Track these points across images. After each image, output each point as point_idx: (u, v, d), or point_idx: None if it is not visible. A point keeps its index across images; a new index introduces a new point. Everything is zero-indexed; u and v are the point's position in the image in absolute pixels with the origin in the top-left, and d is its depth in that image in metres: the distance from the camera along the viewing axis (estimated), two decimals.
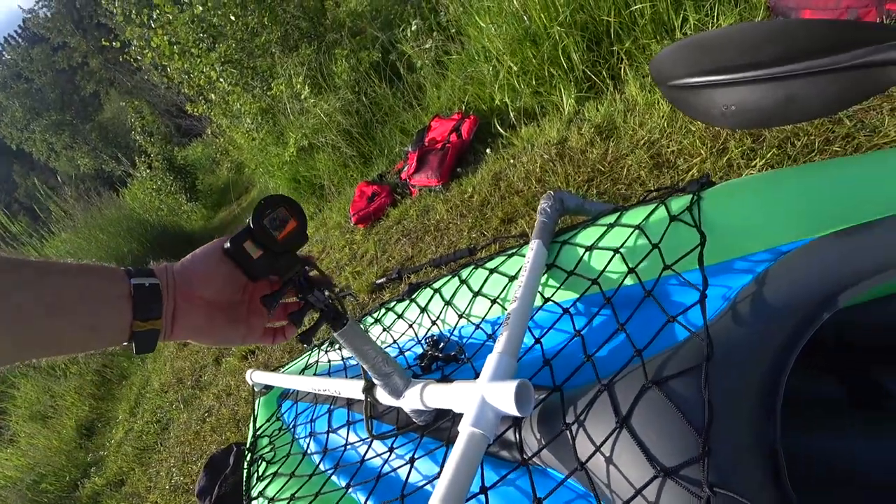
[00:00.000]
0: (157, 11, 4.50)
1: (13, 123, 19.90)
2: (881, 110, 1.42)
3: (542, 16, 2.48)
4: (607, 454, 0.39)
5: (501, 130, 2.68)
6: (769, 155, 1.52)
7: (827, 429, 0.50)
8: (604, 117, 2.19)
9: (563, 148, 2.22)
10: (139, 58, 5.23)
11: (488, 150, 2.66)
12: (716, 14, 2.18)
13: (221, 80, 4.64)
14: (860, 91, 0.53)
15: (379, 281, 2.36)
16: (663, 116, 1.94)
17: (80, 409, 4.53)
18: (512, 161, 2.41)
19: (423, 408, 0.56)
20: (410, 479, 0.59)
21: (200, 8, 4.30)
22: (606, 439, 0.39)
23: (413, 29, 3.56)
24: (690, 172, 1.65)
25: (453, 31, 3.30)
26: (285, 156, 4.15)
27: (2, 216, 7.76)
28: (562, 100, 2.49)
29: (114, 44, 5.60)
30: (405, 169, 2.96)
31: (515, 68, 2.60)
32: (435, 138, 2.89)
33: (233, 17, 4.32)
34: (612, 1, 2.36)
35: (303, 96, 3.90)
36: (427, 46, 3.38)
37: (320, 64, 3.99)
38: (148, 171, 8.77)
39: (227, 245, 0.50)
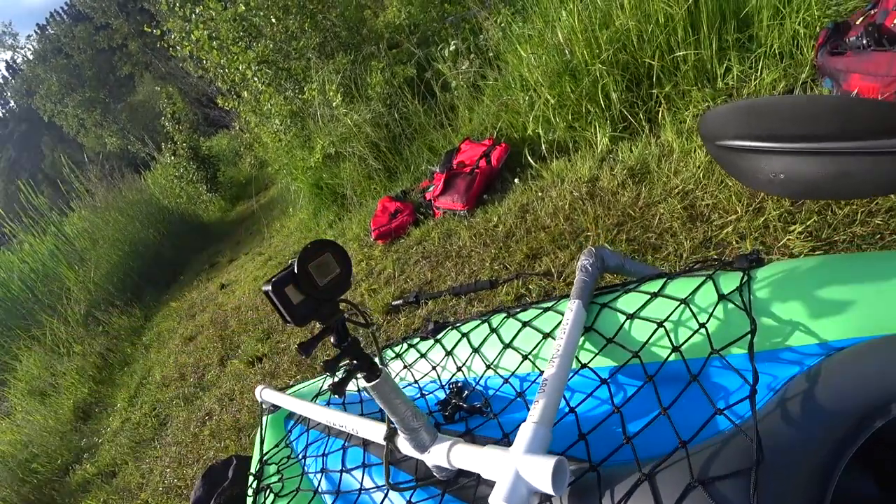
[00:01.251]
0: (202, 7, 4.59)
1: (48, 96, 20.43)
2: None
3: (585, 52, 2.48)
4: None
5: (532, 161, 2.66)
6: (809, 221, 1.48)
7: None
8: (637, 160, 2.16)
9: (594, 187, 2.19)
10: (178, 47, 5.33)
11: (517, 180, 2.64)
12: (759, 67, 2.16)
13: (255, 79, 4.70)
14: None
15: (396, 303, 2.33)
16: (700, 167, 1.91)
17: (80, 390, 4.53)
18: (540, 194, 2.38)
19: (448, 466, 0.55)
20: None
21: (243, 7, 4.37)
22: None
23: (451, 49, 3.58)
24: (725, 230, 1.61)
25: (491, 55, 3.31)
26: (311, 161, 4.17)
27: (26, 188, 7.92)
28: (596, 137, 2.47)
29: (154, 31, 5.73)
30: (431, 189, 2.94)
31: (552, 101, 2.59)
32: (464, 161, 2.88)
33: (273, 20, 4.39)
34: (657, 44, 2.35)
35: (334, 104, 3.92)
36: (464, 68, 3.39)
37: (355, 74, 4.03)
38: (172, 157, 8.93)
39: (269, 288, 0.48)
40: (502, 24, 3.26)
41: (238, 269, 5.25)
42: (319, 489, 0.84)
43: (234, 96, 5.34)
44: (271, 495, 0.90)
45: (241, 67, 4.65)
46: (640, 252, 1.76)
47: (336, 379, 0.56)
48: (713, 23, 2.26)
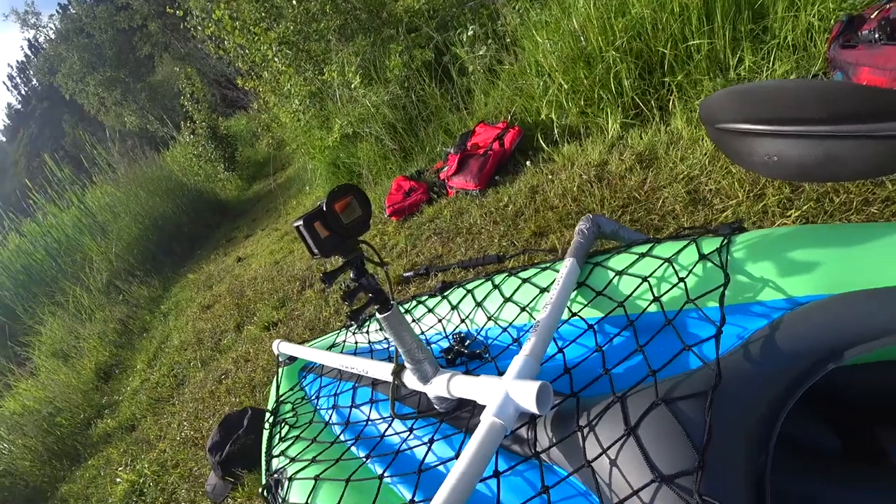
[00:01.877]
0: None
1: (70, 75, 20.68)
2: None
3: (599, 39, 2.52)
4: (612, 457, 0.43)
5: (544, 145, 2.73)
6: (805, 207, 1.53)
7: (822, 476, 0.52)
8: (646, 146, 2.22)
9: (603, 171, 2.26)
10: (199, 28, 5.42)
11: (528, 163, 2.71)
12: (772, 59, 2.19)
13: (276, 59, 4.79)
14: None
15: (407, 274, 2.41)
16: (706, 154, 1.96)
17: (101, 353, 4.72)
18: (550, 177, 2.45)
19: (447, 396, 0.61)
20: (427, 459, 0.63)
21: None
22: (613, 444, 0.43)
23: (469, 34, 3.63)
24: (725, 213, 1.67)
25: (509, 40, 3.36)
26: (328, 140, 4.26)
27: (51, 161, 8.14)
28: (607, 123, 2.53)
29: (177, 12, 5.83)
30: (445, 169, 3.03)
31: (566, 86, 2.64)
32: (478, 144, 2.96)
33: (294, 2, 4.46)
34: (671, 33, 2.38)
35: (353, 85, 4.00)
36: (481, 53, 3.44)
37: (374, 56, 4.10)
38: (191, 136, 9.06)
39: (300, 223, 0.55)
40: (520, 10, 3.31)
41: (254, 243, 5.38)
42: (330, 421, 0.92)
43: (254, 77, 5.44)
44: (286, 426, 0.99)
45: (262, 48, 4.73)
46: (642, 231, 1.83)
47: (353, 309, 0.65)
48: (728, 13, 2.29)
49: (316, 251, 0.56)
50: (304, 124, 4.81)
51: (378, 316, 0.61)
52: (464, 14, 4.26)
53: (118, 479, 2.62)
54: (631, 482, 0.41)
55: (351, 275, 0.61)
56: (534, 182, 2.51)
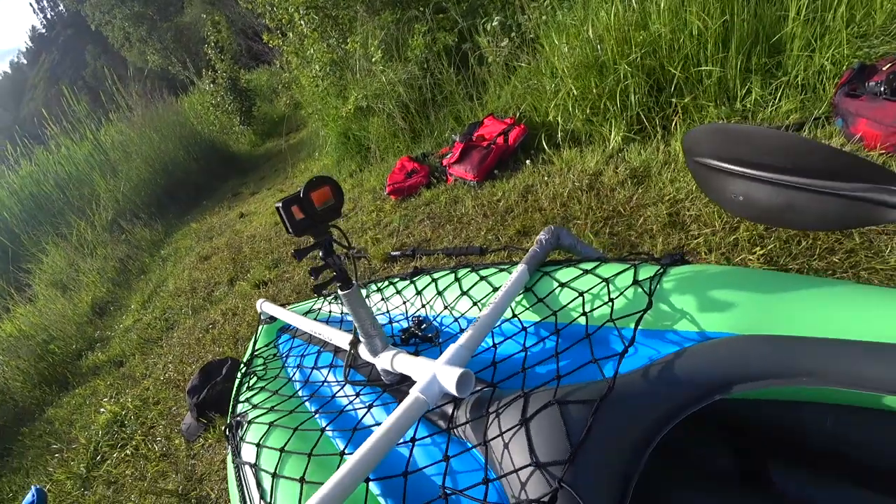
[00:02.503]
0: None
1: (98, 5, 20.45)
2: (893, 236, 1.45)
3: (615, 50, 2.55)
4: (506, 441, 0.51)
5: (546, 146, 2.79)
6: (772, 246, 1.59)
7: (711, 495, 0.60)
8: (642, 163, 2.28)
9: (596, 181, 2.32)
10: None
11: (528, 162, 2.77)
12: (779, 95, 2.22)
13: (302, 22, 4.79)
14: (853, 218, 0.59)
15: (394, 253, 2.50)
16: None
17: (99, 289, 4.86)
18: (546, 179, 2.52)
19: (390, 370, 0.70)
20: (364, 420, 0.73)
21: None
22: (508, 430, 0.52)
23: (494, 24, 3.64)
24: (698, 240, 1.75)
25: (531, 36, 3.37)
26: (342, 110, 4.30)
27: (68, 92, 8.16)
28: (609, 134, 2.58)
29: None
30: (448, 156, 3.09)
31: (575, 92, 2.68)
32: (483, 136, 3.02)
33: None
34: (686, 55, 2.41)
35: (374, 59, 4.02)
36: (503, 44, 3.46)
37: (398, 33, 4.11)
38: (211, 85, 9.05)
39: (280, 204, 0.63)
40: (547, 8, 3.31)
41: (259, 201, 5.47)
42: (293, 378, 1.03)
43: (280, 35, 5.44)
44: (255, 378, 1.10)
45: (289, 9, 4.74)
46: (618, 246, 1.91)
47: (318, 282, 0.73)
48: (744, 43, 2.31)
49: (291, 230, 0.64)
50: (321, 90, 4.84)
51: (339, 293, 0.69)
52: (492, 2, 4.24)
53: (102, 410, 2.77)
54: (515, 463, 0.48)
55: (320, 254, 0.68)
56: (529, 181, 2.57)
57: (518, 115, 3.07)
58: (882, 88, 1.83)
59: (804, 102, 2.17)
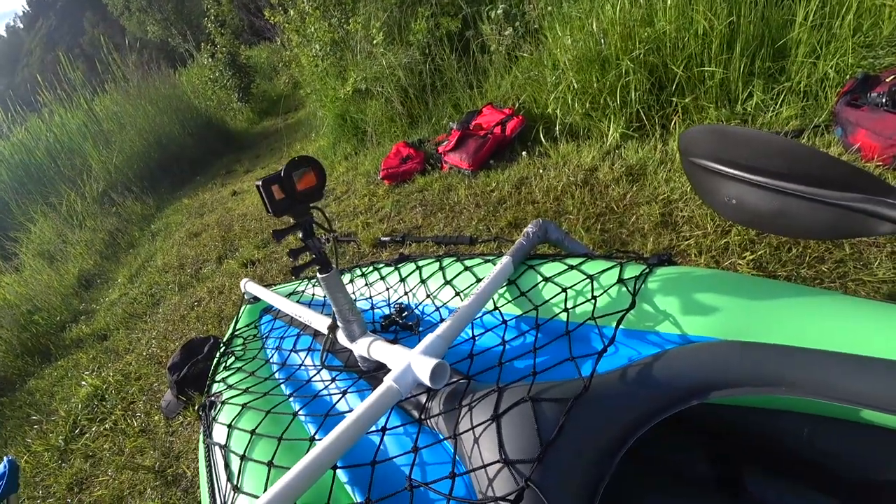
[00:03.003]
0: None
1: None
2: (883, 249, 1.44)
3: (619, 45, 2.51)
4: (477, 435, 0.50)
5: (543, 139, 2.76)
6: (761, 252, 1.58)
7: (687, 501, 0.59)
8: (638, 160, 2.26)
9: (591, 176, 2.30)
10: None
11: (524, 153, 2.74)
12: (781, 100, 2.20)
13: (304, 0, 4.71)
14: (846, 229, 0.59)
15: (384, 238, 2.51)
16: None
17: (86, 261, 4.81)
18: (541, 171, 2.50)
19: (367, 357, 0.68)
20: (338, 406, 0.72)
21: None
22: (479, 425, 0.50)
23: (498, 12, 3.58)
24: (688, 242, 1.73)
25: (535, 27, 3.32)
26: (341, 92, 4.24)
27: (64, 59, 8.00)
28: (608, 130, 2.55)
29: None
30: (444, 143, 3.05)
31: (576, 85, 2.65)
32: (481, 125, 2.98)
33: None
34: (689, 55, 2.38)
35: (375, 42, 3.96)
36: (506, 33, 3.41)
37: (401, 17, 4.04)
38: (210, 59, 8.90)
39: (260, 183, 0.61)
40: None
41: (252, 180, 5.40)
42: (271, 360, 1.01)
43: (282, 11, 5.35)
44: (232, 357, 1.09)
45: None
46: (608, 243, 1.89)
47: (297, 264, 0.71)
48: (749, 45, 2.28)
49: (270, 210, 0.62)
50: (321, 70, 4.76)
51: (318, 276, 0.67)
52: None
53: (83, 383, 2.74)
54: (484, 458, 0.47)
55: (300, 235, 0.66)
56: (524, 173, 2.55)
57: (517, 105, 3.03)
58: (884, 100, 1.82)
59: (805, 109, 2.15)
